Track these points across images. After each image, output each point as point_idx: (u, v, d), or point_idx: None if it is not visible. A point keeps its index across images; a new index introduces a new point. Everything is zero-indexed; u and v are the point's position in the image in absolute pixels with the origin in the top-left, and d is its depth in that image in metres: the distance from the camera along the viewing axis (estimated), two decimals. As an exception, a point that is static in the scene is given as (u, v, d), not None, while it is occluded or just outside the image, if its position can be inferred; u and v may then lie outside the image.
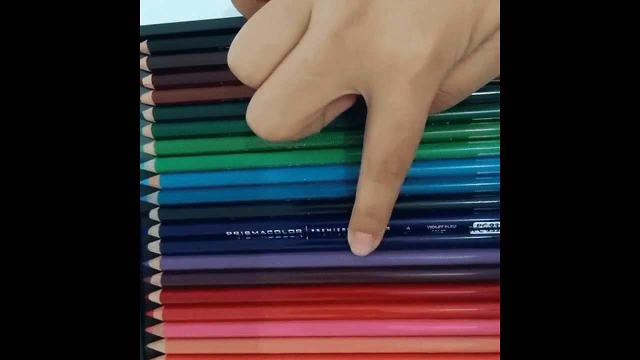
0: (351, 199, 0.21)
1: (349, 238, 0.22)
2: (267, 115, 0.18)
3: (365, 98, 0.18)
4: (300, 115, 0.18)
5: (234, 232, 0.24)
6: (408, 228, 0.23)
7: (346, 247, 0.22)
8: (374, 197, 0.20)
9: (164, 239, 0.25)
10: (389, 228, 0.22)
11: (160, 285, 0.25)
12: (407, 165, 0.19)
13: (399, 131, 0.18)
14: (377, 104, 0.18)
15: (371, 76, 0.17)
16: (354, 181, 0.23)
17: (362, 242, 0.21)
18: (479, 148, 0.22)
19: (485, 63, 0.18)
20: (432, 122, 0.22)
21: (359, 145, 0.23)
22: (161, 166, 0.24)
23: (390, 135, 0.18)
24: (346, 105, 0.20)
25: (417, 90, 0.17)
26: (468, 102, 0.22)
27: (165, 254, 0.25)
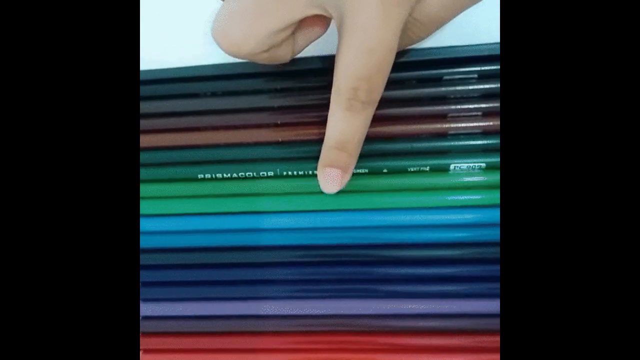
0: (346, 246, 0.22)
1: (318, 175, 0.21)
2: (232, 27, 0.17)
3: (336, 22, 0.17)
4: (267, 29, 0.17)
5: (221, 278, 0.24)
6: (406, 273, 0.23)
7: (340, 295, 0.23)
8: (343, 128, 0.19)
9: (144, 284, 0.24)
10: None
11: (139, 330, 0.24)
12: (377, 92, 0.18)
13: (369, 54, 0.17)
14: (347, 25, 0.17)
15: None
16: (348, 228, 0.23)
17: (331, 179, 0.20)
18: (457, 197, 0.23)
19: None
20: (411, 170, 0.23)
21: (351, 191, 0.23)
22: (144, 209, 0.24)
23: (359, 58, 0.17)
24: (317, 33, 0.20)
25: (387, 8, 0.16)
26: (448, 151, 0.22)
27: (144, 299, 0.24)
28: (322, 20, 0.19)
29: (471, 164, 0.22)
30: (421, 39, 0.19)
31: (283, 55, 0.19)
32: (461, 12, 0.18)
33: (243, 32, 0.17)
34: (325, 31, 0.20)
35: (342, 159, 0.20)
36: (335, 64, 0.18)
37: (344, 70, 0.17)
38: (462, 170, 0.22)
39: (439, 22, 0.18)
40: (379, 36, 0.17)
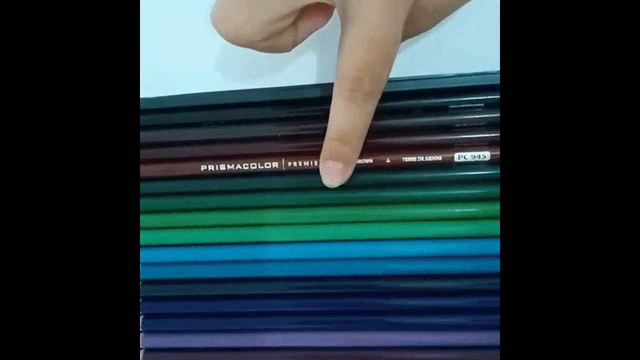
0: (349, 277, 0.21)
1: (320, 168, 0.20)
2: (232, 13, 0.17)
3: (339, 12, 0.17)
4: (268, 16, 0.17)
5: (222, 310, 0.23)
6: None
7: (341, 327, 0.22)
8: (345, 120, 0.18)
9: (146, 315, 0.24)
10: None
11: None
12: (381, 84, 0.18)
13: (372, 44, 0.16)
14: (350, 15, 0.16)
15: None
16: (350, 259, 0.23)
17: (333, 172, 0.20)
18: (465, 227, 0.23)
19: None
20: (418, 201, 0.23)
21: (355, 222, 0.23)
22: (144, 239, 0.24)
23: (363, 48, 0.16)
24: (319, 23, 0.19)
25: None
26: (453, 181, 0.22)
27: (146, 331, 0.24)
28: (324, 10, 0.19)
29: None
30: (425, 29, 0.19)
31: (284, 44, 0.19)
32: (465, 2, 0.18)
33: (242, 19, 0.17)
34: (327, 21, 0.19)
35: (344, 152, 0.19)
36: (338, 54, 0.17)
37: (346, 61, 0.17)
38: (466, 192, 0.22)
39: (444, 11, 0.18)
40: (383, 25, 0.16)
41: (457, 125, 0.22)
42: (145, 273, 0.24)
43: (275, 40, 0.18)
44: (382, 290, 0.23)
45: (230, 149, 0.23)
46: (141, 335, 0.24)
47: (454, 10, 0.18)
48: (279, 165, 0.23)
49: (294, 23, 0.18)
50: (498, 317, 0.22)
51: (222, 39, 0.18)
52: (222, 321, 0.24)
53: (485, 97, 0.21)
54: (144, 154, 0.23)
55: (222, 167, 0.23)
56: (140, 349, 0.24)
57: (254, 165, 0.23)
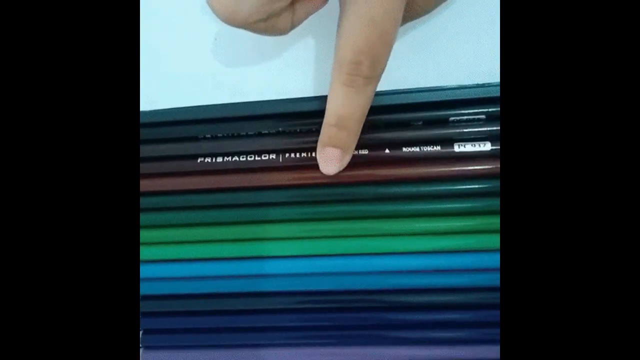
0: (346, 292, 0.21)
1: (317, 155, 0.20)
2: None
3: None
4: None
5: (222, 325, 0.23)
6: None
7: (343, 342, 0.22)
8: (343, 104, 0.18)
9: (145, 331, 0.24)
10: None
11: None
12: (380, 68, 0.17)
13: (372, 25, 0.16)
14: None
15: None
16: (351, 273, 0.23)
17: (330, 158, 0.19)
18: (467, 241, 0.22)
19: None
20: (418, 215, 0.22)
21: (355, 236, 0.23)
22: (144, 255, 0.24)
23: (362, 29, 0.16)
24: (317, 5, 0.19)
25: None
26: (454, 195, 0.22)
27: (146, 347, 0.24)
28: None
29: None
30: (426, 12, 0.18)
31: (282, 26, 0.18)
32: None
33: None
34: (325, 3, 0.19)
35: (342, 138, 0.19)
36: (337, 37, 0.17)
37: (344, 43, 0.16)
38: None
39: None
40: (383, 6, 0.16)
41: (459, 138, 0.22)
42: (144, 288, 0.23)
43: (272, 21, 0.18)
44: (382, 304, 0.23)
45: (229, 164, 0.23)
46: (141, 350, 0.24)
47: None
48: (279, 179, 0.23)
49: (292, 4, 0.18)
50: (498, 330, 0.21)
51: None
52: (222, 336, 0.23)
53: (486, 110, 0.21)
54: (143, 167, 0.23)
55: (222, 181, 0.23)
56: (140, 364, 0.24)
57: (254, 179, 0.23)
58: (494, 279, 0.22)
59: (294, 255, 0.23)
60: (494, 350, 0.22)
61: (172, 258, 0.24)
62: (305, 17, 0.19)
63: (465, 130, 0.21)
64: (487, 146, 0.21)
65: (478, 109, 0.21)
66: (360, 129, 0.19)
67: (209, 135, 0.23)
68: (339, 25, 0.17)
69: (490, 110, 0.21)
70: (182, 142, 0.23)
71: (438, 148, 0.22)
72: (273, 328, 0.23)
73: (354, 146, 0.20)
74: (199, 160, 0.23)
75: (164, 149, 0.23)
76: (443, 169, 0.22)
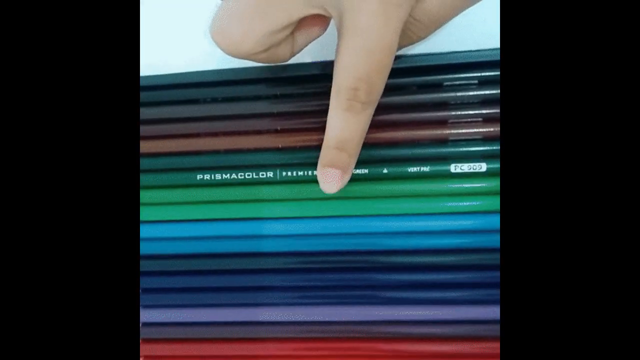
0: (346, 252, 0.21)
1: (318, 174, 0.21)
2: (230, 26, 0.17)
3: (336, 22, 0.17)
4: (266, 29, 0.17)
5: (221, 285, 0.24)
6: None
7: (340, 302, 0.23)
8: (343, 128, 0.19)
9: (144, 290, 0.24)
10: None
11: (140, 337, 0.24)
12: (377, 93, 0.18)
13: (369, 54, 0.17)
14: (347, 25, 0.17)
15: None
16: (348, 234, 0.23)
17: (331, 178, 0.20)
18: (460, 203, 0.23)
19: None
20: (412, 176, 0.23)
21: (351, 197, 0.23)
22: (144, 216, 0.24)
23: (359, 58, 0.17)
24: (316, 32, 0.20)
25: (387, 8, 0.16)
26: (449, 157, 0.22)
27: (145, 306, 0.24)
28: (321, 20, 0.19)
29: (473, 164, 0.22)
30: (421, 38, 0.19)
31: (282, 54, 0.19)
32: (461, 11, 0.18)
33: (242, 32, 0.17)
34: (324, 31, 0.20)
35: (342, 159, 0.20)
36: (335, 64, 0.18)
37: (343, 71, 0.17)
38: (462, 171, 0.22)
39: (440, 22, 0.18)
40: (379, 37, 0.16)
41: (452, 102, 0.22)
42: (144, 248, 0.24)
43: (273, 51, 0.19)
44: (380, 265, 0.23)
45: (227, 126, 0.23)
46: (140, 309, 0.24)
47: (450, 19, 0.19)
48: (275, 142, 0.23)
49: (292, 34, 0.19)
50: (498, 291, 0.22)
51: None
52: (219, 296, 0.24)
53: (479, 74, 0.22)
54: (143, 130, 0.24)
55: (220, 144, 0.24)
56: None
57: (251, 142, 0.23)
58: (494, 241, 0.22)
59: (289, 216, 0.23)
60: (494, 311, 0.22)
61: (171, 219, 0.24)
62: (305, 45, 0.20)
63: (458, 94, 0.22)
64: (481, 110, 0.22)
65: (471, 73, 0.22)
66: (359, 150, 0.20)
67: (209, 99, 0.24)
68: (337, 53, 0.18)
69: (483, 75, 0.22)
70: (181, 104, 0.24)
71: (434, 113, 0.22)
72: (269, 288, 0.23)
73: (353, 166, 0.21)
74: (197, 124, 0.24)
75: (163, 112, 0.24)
76: (437, 132, 0.22)
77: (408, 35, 0.19)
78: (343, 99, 0.18)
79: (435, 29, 0.19)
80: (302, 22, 0.19)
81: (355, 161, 0.20)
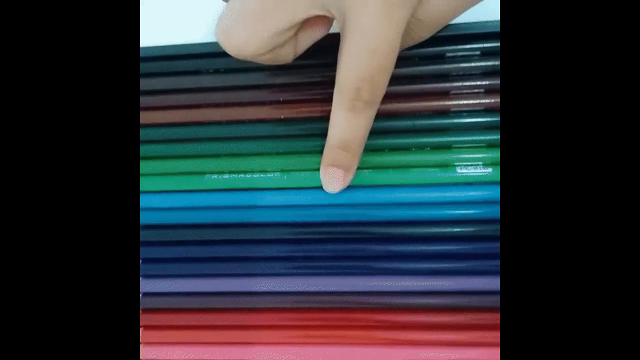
0: (345, 223, 0.21)
1: (321, 174, 0.21)
2: (236, 28, 0.17)
3: (339, 23, 0.18)
4: (270, 30, 0.17)
5: (218, 255, 0.24)
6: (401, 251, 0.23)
7: (336, 272, 0.23)
8: (346, 128, 0.19)
9: (144, 260, 0.24)
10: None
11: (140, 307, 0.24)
12: (380, 93, 0.18)
13: (372, 55, 0.17)
14: (350, 26, 0.17)
15: None
16: (344, 205, 0.23)
17: (334, 178, 0.21)
18: (460, 174, 0.23)
19: None
20: (412, 148, 0.23)
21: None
22: (144, 186, 0.24)
23: (362, 59, 0.17)
24: (319, 33, 0.20)
25: (390, 9, 0.16)
26: (450, 129, 0.23)
27: (145, 275, 0.24)
28: (324, 21, 0.19)
29: (474, 137, 0.22)
30: (423, 38, 0.19)
31: (286, 55, 0.19)
32: (463, 11, 0.18)
33: (246, 34, 0.18)
34: (327, 31, 0.20)
35: (345, 159, 0.20)
36: (338, 64, 0.18)
37: (346, 71, 0.18)
38: (464, 139, 0.22)
39: (441, 22, 0.19)
40: (382, 37, 0.17)
41: (454, 73, 0.22)
42: (144, 218, 0.24)
43: (277, 52, 0.19)
44: (375, 235, 0.23)
45: (229, 97, 0.23)
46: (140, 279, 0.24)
47: (452, 19, 0.19)
48: (278, 114, 0.23)
49: (295, 34, 0.19)
50: (498, 262, 0.22)
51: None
52: (214, 266, 0.24)
53: (481, 46, 0.22)
54: (144, 101, 0.24)
55: (222, 115, 0.23)
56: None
57: (253, 113, 0.23)
58: (494, 212, 0.22)
59: (287, 187, 0.23)
60: (494, 281, 0.22)
61: (170, 189, 0.24)
62: (308, 45, 0.20)
63: (461, 65, 0.22)
64: (483, 81, 0.22)
65: (474, 44, 0.22)
66: (362, 150, 0.20)
67: (211, 70, 0.23)
68: (340, 52, 0.18)
69: (485, 46, 0.22)
70: (183, 75, 0.24)
71: (436, 85, 0.22)
72: (267, 258, 0.23)
73: (356, 166, 0.21)
74: (197, 95, 0.24)
75: (163, 82, 0.24)
76: (439, 104, 0.22)
77: (410, 35, 0.19)
78: (346, 98, 0.18)
79: (437, 29, 0.19)
80: (306, 23, 0.19)
81: (359, 160, 0.21)
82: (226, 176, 0.24)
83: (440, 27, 0.19)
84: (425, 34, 0.19)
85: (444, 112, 0.22)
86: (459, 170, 0.22)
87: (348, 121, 0.19)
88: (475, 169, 0.22)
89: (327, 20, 0.19)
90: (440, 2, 0.18)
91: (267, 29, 0.18)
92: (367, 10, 0.16)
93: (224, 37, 0.18)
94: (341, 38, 0.18)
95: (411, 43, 0.20)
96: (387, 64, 0.17)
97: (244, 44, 0.18)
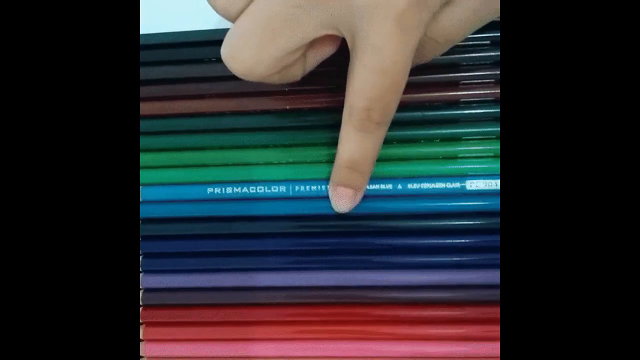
0: (345, 216, 0.21)
1: (330, 193, 0.21)
2: (243, 50, 0.17)
3: (349, 42, 0.17)
4: (279, 52, 0.17)
5: (219, 249, 0.23)
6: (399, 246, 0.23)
7: (336, 267, 0.22)
8: (356, 149, 0.19)
9: (145, 255, 0.24)
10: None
11: (140, 303, 0.23)
12: (390, 113, 0.18)
13: (383, 75, 0.17)
14: (360, 45, 0.16)
15: (354, 14, 0.16)
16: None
17: (343, 198, 0.21)
18: (469, 166, 0.22)
19: (471, 6, 0.17)
20: (421, 140, 0.22)
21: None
22: (145, 178, 0.23)
23: (373, 79, 0.17)
24: (328, 51, 0.19)
25: (401, 29, 0.16)
26: (459, 120, 0.22)
27: (146, 271, 0.24)
28: (333, 40, 0.19)
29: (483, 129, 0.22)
30: (434, 56, 0.19)
31: (294, 74, 0.19)
32: (475, 29, 0.18)
33: (254, 57, 0.17)
34: (336, 49, 0.19)
35: (355, 179, 0.20)
36: (348, 83, 0.18)
37: (357, 91, 0.17)
38: (473, 131, 0.22)
39: (453, 40, 0.18)
40: (394, 57, 0.16)
41: (464, 63, 0.22)
42: (143, 211, 0.23)
43: (285, 72, 0.18)
44: (376, 229, 0.22)
45: (231, 87, 0.23)
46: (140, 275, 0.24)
47: (463, 38, 0.18)
48: (283, 104, 0.23)
49: (304, 54, 0.18)
50: (498, 255, 0.22)
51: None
52: (215, 260, 0.23)
53: (492, 35, 0.21)
54: (144, 91, 0.23)
55: (226, 105, 0.23)
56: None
57: (258, 104, 0.23)
58: (494, 205, 0.22)
59: (287, 179, 0.23)
60: (494, 275, 0.22)
61: (171, 182, 0.23)
62: (317, 63, 0.20)
63: (470, 55, 0.21)
64: (493, 71, 0.22)
65: (483, 34, 0.21)
66: (372, 169, 0.20)
67: (214, 58, 0.23)
68: (350, 72, 0.18)
69: (495, 35, 0.21)
70: (185, 64, 0.23)
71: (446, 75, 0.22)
72: (267, 252, 0.23)
73: (366, 185, 0.21)
74: (199, 84, 0.23)
75: (164, 71, 0.23)
76: (448, 94, 0.22)
77: (422, 52, 0.18)
78: (356, 118, 0.18)
79: (448, 48, 0.19)
80: (314, 42, 0.18)
81: (368, 180, 0.20)
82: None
83: (451, 46, 0.19)
84: (438, 52, 0.19)
85: (454, 103, 0.22)
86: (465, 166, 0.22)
87: (358, 141, 0.19)
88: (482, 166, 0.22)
89: (336, 38, 0.19)
90: (453, 21, 0.17)
91: (275, 52, 0.17)
92: (379, 30, 0.16)
93: (231, 60, 0.17)
94: (351, 57, 0.18)
95: (423, 61, 0.19)
96: (398, 84, 0.17)
97: (252, 67, 0.17)
